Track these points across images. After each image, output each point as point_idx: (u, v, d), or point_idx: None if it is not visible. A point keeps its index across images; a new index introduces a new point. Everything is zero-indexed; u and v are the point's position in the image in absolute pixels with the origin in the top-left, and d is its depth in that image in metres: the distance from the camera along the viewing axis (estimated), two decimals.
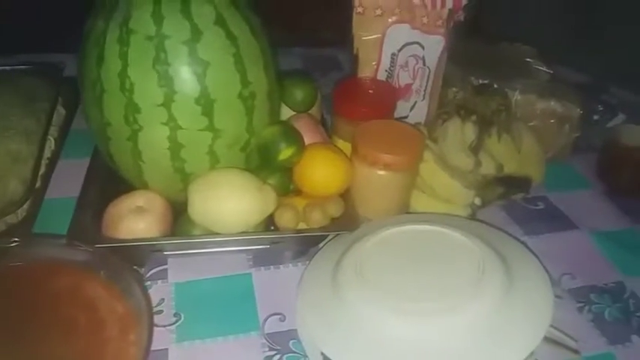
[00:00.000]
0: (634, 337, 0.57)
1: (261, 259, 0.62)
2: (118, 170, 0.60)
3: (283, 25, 0.71)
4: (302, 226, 0.58)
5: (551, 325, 0.52)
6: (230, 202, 0.54)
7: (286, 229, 0.57)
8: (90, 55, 0.54)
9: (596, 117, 0.86)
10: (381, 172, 0.59)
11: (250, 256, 0.63)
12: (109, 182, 0.61)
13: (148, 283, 0.59)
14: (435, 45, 0.67)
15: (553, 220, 0.72)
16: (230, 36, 0.53)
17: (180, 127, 0.53)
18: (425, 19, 0.65)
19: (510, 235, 0.63)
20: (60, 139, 0.71)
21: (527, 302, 0.47)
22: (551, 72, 0.85)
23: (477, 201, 0.65)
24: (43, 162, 0.64)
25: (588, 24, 1.23)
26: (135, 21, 0.51)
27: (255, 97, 0.56)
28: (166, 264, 0.61)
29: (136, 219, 0.56)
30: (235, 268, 0.61)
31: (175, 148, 0.54)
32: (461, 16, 0.66)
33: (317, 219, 0.56)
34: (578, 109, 0.78)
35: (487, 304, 0.46)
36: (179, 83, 0.52)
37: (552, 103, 0.78)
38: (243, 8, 0.55)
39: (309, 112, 0.68)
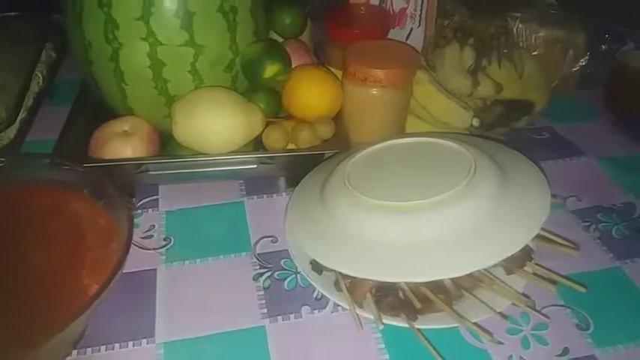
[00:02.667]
0: None
1: (254, 188, 0.61)
2: (104, 97, 0.59)
3: None
4: (292, 147, 0.56)
5: (549, 231, 0.49)
6: (214, 119, 0.52)
7: (274, 149, 0.55)
8: None
9: (603, 46, 0.83)
10: (372, 89, 0.57)
11: (243, 185, 0.61)
12: (96, 110, 0.60)
13: (139, 211, 0.58)
14: None
15: (558, 147, 0.70)
16: None
17: (160, 43, 0.52)
18: None
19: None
20: (48, 78, 0.70)
21: (521, 198, 0.45)
22: (556, 2, 0.82)
23: (475, 122, 0.62)
24: (31, 95, 0.63)
25: None
26: None
27: (237, 13, 0.54)
28: (158, 194, 0.60)
29: (121, 141, 0.54)
30: (227, 196, 0.60)
31: (157, 66, 0.53)
32: None
33: (305, 138, 0.55)
34: (583, 35, 0.75)
35: (479, 199, 0.44)
36: None
37: (555, 30, 0.75)
38: None
39: (300, 39, 0.65)
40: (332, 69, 0.65)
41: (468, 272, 0.40)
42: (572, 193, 0.62)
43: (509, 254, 0.40)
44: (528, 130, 0.73)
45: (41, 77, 0.67)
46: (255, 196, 0.60)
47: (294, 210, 0.51)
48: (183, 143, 0.54)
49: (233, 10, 0.54)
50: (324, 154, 0.56)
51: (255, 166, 0.55)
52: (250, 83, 0.57)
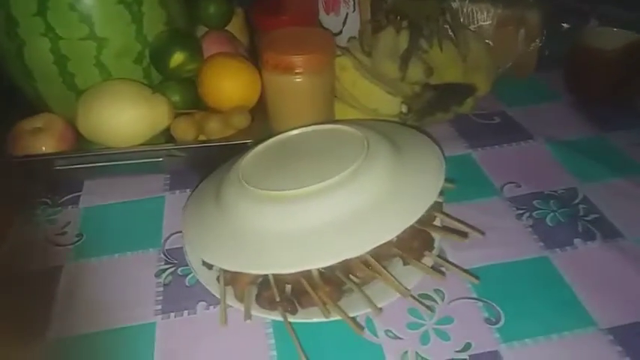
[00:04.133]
0: (576, 241, 0.50)
1: (178, 182, 0.60)
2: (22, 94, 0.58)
3: None
4: (202, 139, 0.54)
5: (455, 218, 0.46)
6: (115, 112, 0.51)
7: (183, 140, 0.54)
8: None
9: (565, 25, 0.78)
10: (287, 77, 0.55)
11: (168, 180, 0.60)
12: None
13: (59, 208, 0.58)
14: None
15: (506, 132, 0.66)
16: None
17: (61, 37, 0.51)
18: None
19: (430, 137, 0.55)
20: None
21: (412, 183, 0.42)
22: None
23: (404, 108, 0.59)
24: None
25: None
26: None
27: (142, 3, 0.53)
28: (81, 190, 0.60)
29: (33, 138, 0.54)
30: (150, 191, 0.59)
31: (61, 61, 0.52)
32: None
33: (214, 129, 0.53)
34: (537, 14, 0.71)
35: (366, 182, 0.41)
36: None
37: (507, 9, 0.71)
38: None
39: (227, 29, 0.64)
40: None
41: (337, 261, 0.37)
42: (513, 179, 0.58)
43: (382, 241, 0.37)
44: (479, 115, 0.69)
45: None
46: (178, 191, 0.59)
47: (191, 204, 0.50)
48: (88, 137, 0.53)
49: (137, 1, 0.53)
50: (238, 144, 0.54)
51: (160, 159, 0.54)
52: (161, 74, 0.56)
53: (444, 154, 0.48)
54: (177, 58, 0.54)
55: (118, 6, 0.52)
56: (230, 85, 0.55)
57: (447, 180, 0.44)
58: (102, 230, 0.55)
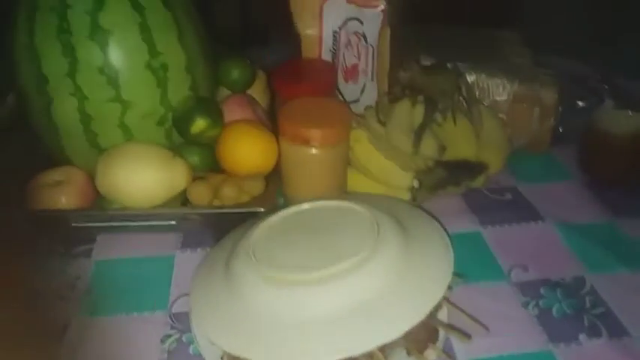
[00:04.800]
0: (582, 336, 0.50)
1: (190, 241, 0.60)
2: (45, 147, 0.60)
3: None
4: (217, 203, 0.55)
5: (459, 308, 0.46)
6: (134, 174, 0.52)
7: (198, 204, 0.55)
8: (12, 27, 0.55)
9: (581, 104, 0.79)
10: (304, 149, 0.56)
11: (180, 238, 0.61)
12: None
13: (71, 259, 0.59)
14: (373, 19, 0.63)
15: (516, 210, 0.66)
16: (136, 5, 0.52)
17: (87, 98, 0.53)
18: None
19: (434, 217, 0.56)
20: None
21: (420, 276, 0.42)
22: (531, 57, 0.80)
23: (415, 183, 0.60)
24: None
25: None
26: None
27: (168, 69, 0.55)
28: (94, 242, 0.61)
29: (53, 192, 0.56)
30: (162, 248, 0.59)
31: (86, 120, 0.54)
32: None
33: (229, 195, 0.54)
34: (554, 94, 0.72)
35: (381, 263, 0.41)
36: (82, 52, 0.51)
37: (523, 86, 0.72)
38: None
39: (248, 93, 0.66)
40: None
41: (342, 357, 0.38)
42: (520, 262, 0.58)
43: (387, 340, 0.38)
44: (490, 189, 0.69)
45: None
46: (189, 250, 0.60)
47: (200, 276, 0.50)
48: (106, 196, 0.54)
49: (163, 66, 0.54)
50: (250, 212, 0.55)
51: (173, 222, 0.55)
52: (182, 137, 0.58)
53: (451, 239, 0.48)
54: (199, 124, 0.55)
55: (145, 71, 0.53)
56: (247, 152, 0.56)
57: (455, 273, 0.44)
58: (111, 286, 0.55)
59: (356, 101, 0.70)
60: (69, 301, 0.54)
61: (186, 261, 0.58)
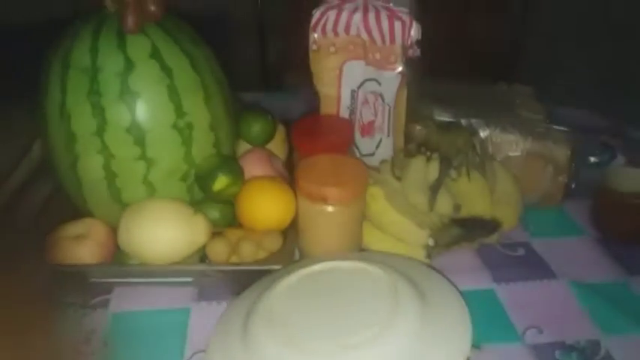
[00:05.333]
0: None
1: (207, 293, 0.61)
2: (67, 197, 0.62)
3: None
4: (235, 259, 0.56)
5: None
6: (154, 230, 0.54)
7: (217, 261, 0.56)
8: (41, 84, 0.57)
9: (593, 159, 0.80)
10: (321, 207, 0.57)
11: (197, 290, 0.62)
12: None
13: (88, 310, 0.59)
14: (391, 81, 0.65)
15: (530, 267, 0.66)
16: (165, 68, 0.55)
17: (113, 156, 0.55)
18: (378, 55, 0.64)
19: (447, 278, 0.56)
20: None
21: (442, 340, 0.43)
22: (543, 111, 0.81)
23: (431, 242, 0.61)
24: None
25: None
26: (74, 55, 0.54)
27: (193, 128, 0.57)
28: (111, 293, 0.61)
29: (74, 246, 0.57)
30: (178, 300, 0.60)
31: (110, 176, 0.56)
32: (416, 51, 0.64)
33: (248, 252, 0.55)
34: (567, 151, 0.73)
35: (399, 335, 0.42)
36: (110, 113, 0.53)
37: (537, 143, 0.74)
38: (184, 41, 0.57)
39: (267, 148, 0.67)
40: None
41: None
42: (535, 323, 0.58)
43: None
44: (503, 244, 0.70)
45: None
46: (205, 302, 0.60)
47: (217, 334, 0.50)
48: (128, 252, 0.55)
49: (189, 126, 0.56)
50: (267, 269, 0.56)
51: (190, 279, 0.56)
52: (203, 193, 0.59)
53: (466, 302, 0.48)
54: (222, 182, 0.57)
55: (171, 130, 0.55)
56: (266, 209, 0.58)
57: (473, 345, 0.45)
58: (126, 340, 0.56)
59: (371, 155, 0.72)
60: (85, 355, 0.54)
61: (202, 314, 0.59)
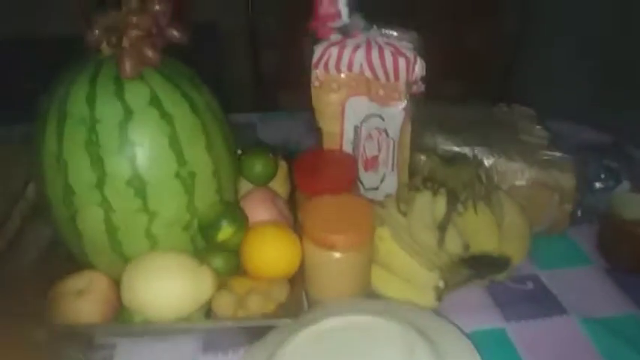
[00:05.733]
0: None
1: (212, 345, 0.58)
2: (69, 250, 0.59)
3: None
4: (242, 312, 0.55)
5: None
6: (158, 286, 0.52)
7: (223, 315, 0.54)
8: (37, 132, 0.55)
9: (598, 185, 0.79)
10: (328, 253, 0.56)
11: (201, 341, 0.59)
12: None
13: None
14: (395, 117, 0.64)
15: (540, 303, 0.65)
16: (165, 116, 0.52)
17: (114, 210, 0.52)
18: (381, 92, 0.63)
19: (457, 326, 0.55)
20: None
21: None
22: (548, 135, 0.80)
23: (441, 283, 0.59)
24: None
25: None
26: (71, 102, 0.52)
27: (196, 176, 0.55)
28: (115, 349, 0.59)
29: (76, 303, 0.55)
30: (183, 353, 0.58)
31: (112, 230, 0.54)
32: (421, 87, 0.63)
33: (256, 307, 0.53)
34: (572, 180, 0.72)
35: None
36: (110, 165, 0.51)
37: (542, 171, 0.73)
38: (184, 85, 0.55)
39: (269, 186, 0.66)
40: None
41: None
42: None
43: None
44: (511, 278, 0.69)
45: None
46: (211, 354, 0.58)
47: None
48: (129, 308, 0.53)
49: (191, 174, 0.54)
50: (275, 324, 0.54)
51: (201, 335, 0.54)
52: (207, 244, 0.57)
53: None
54: (226, 232, 0.55)
55: (173, 180, 0.53)
56: (272, 258, 0.56)
57: None
58: None
59: (375, 189, 0.70)
60: None
61: None
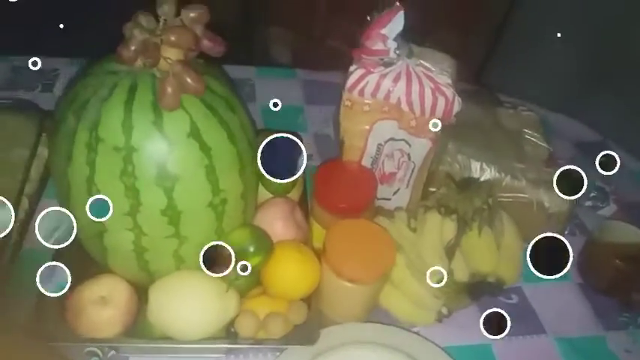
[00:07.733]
0: None
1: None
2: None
3: None
4: (263, 333, 0.58)
5: None
6: (187, 306, 0.54)
7: (245, 336, 0.57)
8: (59, 148, 0.52)
9: (588, 203, 0.85)
10: (346, 284, 0.58)
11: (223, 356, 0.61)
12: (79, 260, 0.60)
13: None
14: (421, 146, 0.64)
15: (522, 320, 0.72)
16: (204, 147, 0.51)
17: (145, 234, 0.52)
18: (413, 122, 0.62)
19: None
20: (36, 196, 0.70)
21: None
22: (550, 149, 0.83)
23: (445, 310, 0.64)
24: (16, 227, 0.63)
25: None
26: (104, 128, 0.49)
27: (227, 203, 0.54)
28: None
29: (97, 311, 0.55)
30: None
31: (140, 250, 0.54)
32: (452, 120, 0.63)
33: (277, 330, 0.56)
34: (568, 204, 0.76)
35: None
36: (145, 196, 0.50)
37: (542, 193, 0.76)
38: (221, 110, 0.53)
39: (289, 197, 0.66)
40: (316, 224, 0.67)
41: None
42: None
43: None
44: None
45: (27, 201, 0.66)
46: None
47: None
48: (156, 326, 0.55)
49: (223, 202, 0.54)
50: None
51: (223, 355, 0.57)
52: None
53: None
54: (254, 260, 0.56)
55: (206, 209, 0.53)
56: (293, 283, 0.58)
57: None
58: None
59: (387, 199, 0.72)
60: None
61: None
